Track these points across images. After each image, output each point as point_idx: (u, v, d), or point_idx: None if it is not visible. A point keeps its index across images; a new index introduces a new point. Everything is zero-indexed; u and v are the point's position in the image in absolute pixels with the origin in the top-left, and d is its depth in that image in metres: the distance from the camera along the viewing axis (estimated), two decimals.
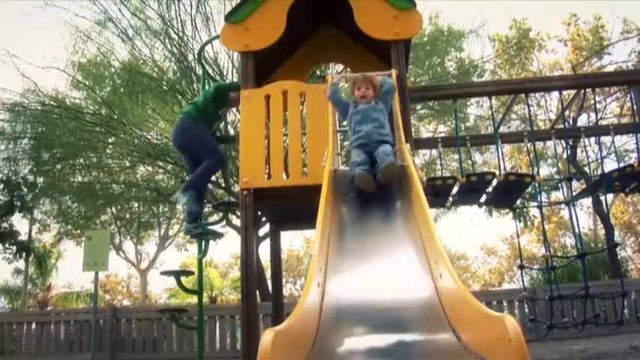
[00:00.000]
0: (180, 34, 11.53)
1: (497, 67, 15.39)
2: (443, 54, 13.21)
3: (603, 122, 13.06)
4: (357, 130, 3.57)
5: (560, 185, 9.07)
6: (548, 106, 15.17)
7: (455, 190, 5.47)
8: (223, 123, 10.18)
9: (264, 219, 5.67)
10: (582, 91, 6.48)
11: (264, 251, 10.75)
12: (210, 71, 10.37)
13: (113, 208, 14.20)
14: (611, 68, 14.20)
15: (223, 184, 12.02)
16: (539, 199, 6.46)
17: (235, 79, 10.96)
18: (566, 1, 20.24)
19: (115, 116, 11.79)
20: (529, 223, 15.21)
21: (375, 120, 3.55)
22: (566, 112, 11.59)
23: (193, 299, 14.30)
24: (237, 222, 10.90)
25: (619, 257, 11.47)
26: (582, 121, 13.63)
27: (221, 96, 5.01)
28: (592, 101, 6.72)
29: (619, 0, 16.61)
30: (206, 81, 6.39)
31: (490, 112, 6.30)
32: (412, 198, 2.99)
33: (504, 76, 15.47)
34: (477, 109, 14.25)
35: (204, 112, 4.91)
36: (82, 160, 12.59)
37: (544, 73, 16.39)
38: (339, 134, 4.58)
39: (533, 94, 12.61)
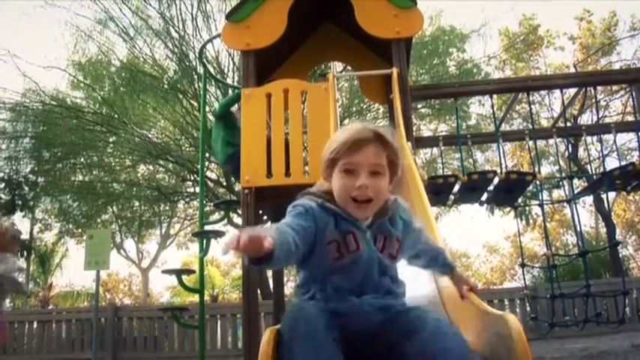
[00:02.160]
0: (182, 32, 11.54)
1: (503, 62, 15.37)
2: (445, 54, 13.20)
3: (607, 120, 13.05)
4: (337, 289, 1.58)
5: (561, 183, 9.06)
6: (551, 105, 15.16)
7: (456, 188, 5.47)
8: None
9: (265, 217, 5.67)
10: (584, 90, 6.47)
11: None
12: (211, 70, 10.37)
13: (114, 207, 14.21)
14: (618, 66, 14.18)
15: (224, 183, 12.03)
16: (540, 198, 6.46)
17: (236, 78, 10.97)
18: (568, 1, 20.16)
19: (116, 115, 11.80)
20: (531, 221, 15.22)
21: (385, 290, 1.64)
22: (569, 110, 11.58)
23: (195, 298, 14.32)
24: (238, 220, 10.91)
25: (620, 255, 11.44)
26: (585, 119, 13.63)
27: (227, 111, 5.29)
28: (594, 99, 6.69)
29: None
30: (207, 80, 6.41)
31: (492, 111, 6.29)
32: (413, 196, 2.99)
33: (510, 72, 15.47)
34: (478, 107, 14.27)
35: (233, 133, 4.99)
36: (82, 159, 12.61)
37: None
38: None
39: (536, 93, 12.60)
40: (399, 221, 1.73)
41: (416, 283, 2.31)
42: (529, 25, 16.32)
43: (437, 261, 1.89)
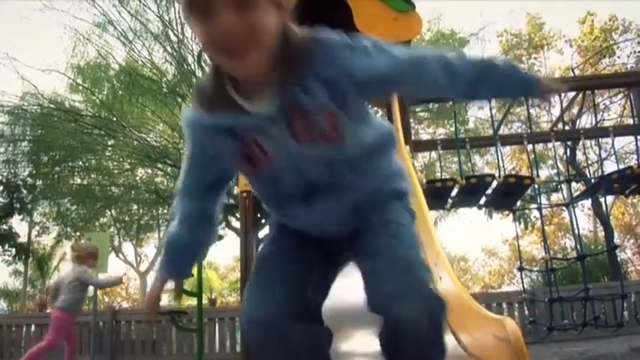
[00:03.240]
0: (180, 36, 11.54)
1: None
2: None
3: (605, 123, 13.05)
4: (270, 203, 1.37)
5: (560, 187, 9.09)
6: (550, 108, 15.17)
7: (455, 192, 5.47)
8: None
9: (263, 221, 5.67)
10: (583, 93, 6.48)
11: None
12: None
13: (112, 210, 14.20)
14: (615, 69, 14.21)
15: None
16: (539, 201, 6.46)
17: None
18: (568, 2, 20.19)
19: (115, 118, 11.81)
20: (529, 224, 15.22)
21: (342, 187, 1.21)
22: (568, 114, 11.58)
23: (193, 301, 14.30)
24: (236, 224, 10.90)
25: (619, 259, 11.45)
26: (583, 122, 13.64)
27: None
28: (593, 103, 6.70)
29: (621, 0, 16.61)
30: None
31: (490, 114, 6.30)
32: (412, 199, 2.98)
33: None
34: (477, 111, 14.29)
35: None
36: (81, 163, 12.62)
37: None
38: None
39: None
40: (321, 79, 1.10)
41: None
42: (534, 23, 16.32)
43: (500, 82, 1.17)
